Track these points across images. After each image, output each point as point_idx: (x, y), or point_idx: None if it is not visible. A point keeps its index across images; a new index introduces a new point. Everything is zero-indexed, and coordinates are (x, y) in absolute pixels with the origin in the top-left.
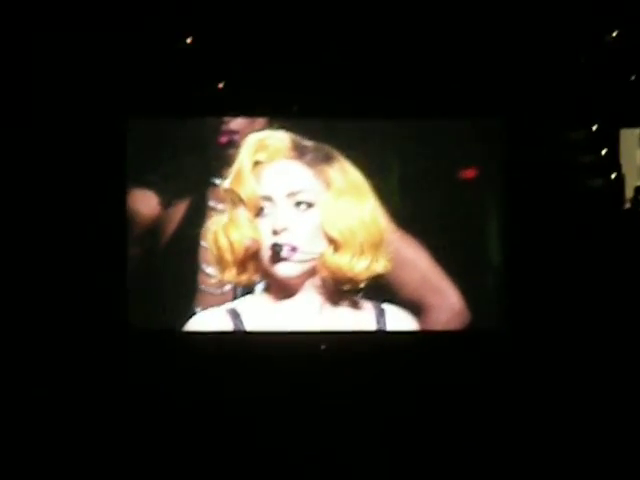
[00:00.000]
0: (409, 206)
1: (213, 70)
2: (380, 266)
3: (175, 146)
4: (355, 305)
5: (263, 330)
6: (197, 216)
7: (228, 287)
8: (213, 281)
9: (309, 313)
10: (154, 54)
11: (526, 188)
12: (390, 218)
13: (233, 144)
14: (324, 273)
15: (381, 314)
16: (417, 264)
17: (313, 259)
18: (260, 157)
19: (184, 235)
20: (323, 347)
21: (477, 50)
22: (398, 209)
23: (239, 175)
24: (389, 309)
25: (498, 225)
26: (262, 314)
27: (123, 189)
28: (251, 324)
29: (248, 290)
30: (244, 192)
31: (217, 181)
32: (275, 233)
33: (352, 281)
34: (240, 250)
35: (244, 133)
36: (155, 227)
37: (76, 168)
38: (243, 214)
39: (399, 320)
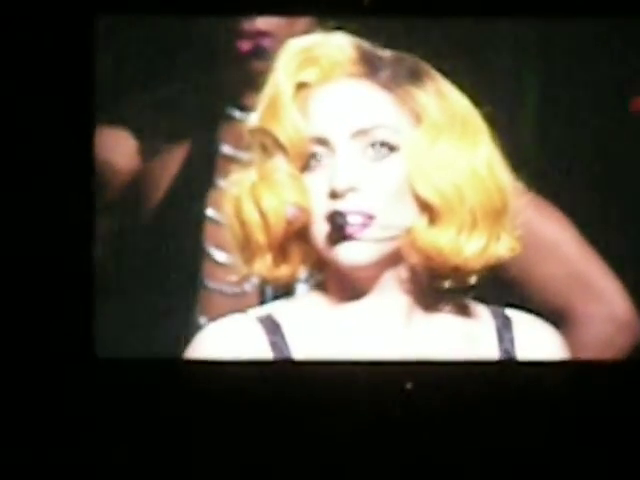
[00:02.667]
0: (550, 156)
1: None
2: (503, 247)
3: (167, 58)
4: (464, 312)
5: (317, 358)
6: (202, 171)
7: (250, 286)
8: (230, 276)
9: (390, 325)
10: None
11: None
12: (519, 175)
13: (262, 53)
14: (414, 259)
15: (506, 326)
16: (562, 249)
17: (397, 237)
18: (307, 76)
19: (180, 202)
20: (409, 386)
21: None
22: (532, 160)
23: (274, 105)
24: (518, 319)
25: None
26: (314, 327)
27: (89, 127)
28: (298, 345)
29: (285, 291)
30: (283, 132)
31: (236, 113)
32: (336, 196)
33: (459, 271)
34: (279, 225)
35: (279, 36)
36: (133, 189)
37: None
38: (282, 168)
39: (536, 337)
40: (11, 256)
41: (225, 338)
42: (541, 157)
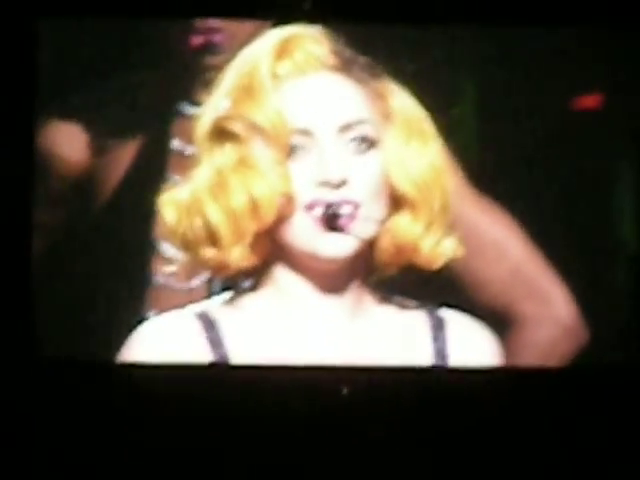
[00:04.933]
0: (492, 155)
1: None
2: (449, 247)
3: (119, 53)
4: (401, 311)
5: (255, 357)
6: (153, 166)
7: (199, 281)
8: (180, 267)
9: (334, 321)
10: None
11: None
12: (461, 173)
13: (213, 49)
14: (386, 251)
15: (440, 326)
16: (506, 249)
17: (375, 229)
18: (283, 67)
19: (131, 196)
20: (345, 391)
21: None
22: (473, 159)
23: (252, 92)
24: (453, 319)
25: (635, 189)
26: (252, 325)
27: (30, 120)
28: (235, 342)
29: (229, 285)
30: (265, 119)
31: (187, 109)
32: (324, 186)
33: (425, 264)
34: (270, 212)
35: (230, 32)
36: (82, 184)
37: None
38: (265, 154)
39: (469, 338)
40: None
41: (162, 334)
42: (484, 159)
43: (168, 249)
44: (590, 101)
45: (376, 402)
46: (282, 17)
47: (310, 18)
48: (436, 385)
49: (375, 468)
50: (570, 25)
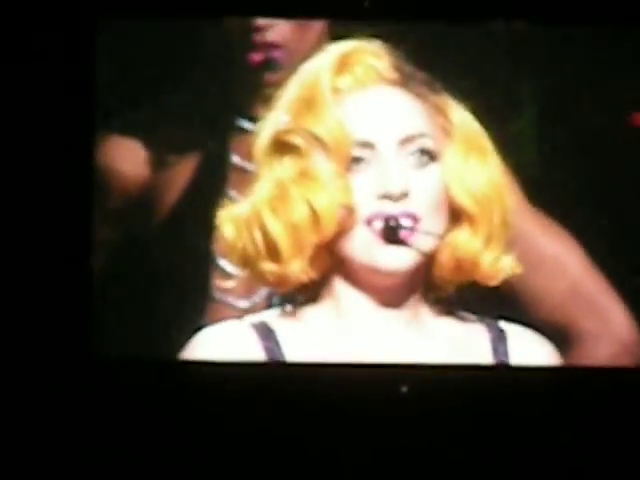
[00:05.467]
0: (550, 172)
1: None
2: (508, 263)
3: (177, 68)
4: (461, 324)
5: (310, 361)
6: (212, 182)
7: (259, 298)
8: (239, 283)
9: (391, 333)
10: None
11: None
12: (520, 189)
13: (272, 65)
14: (446, 265)
15: (500, 339)
16: (564, 266)
17: (436, 243)
18: (343, 81)
19: (191, 212)
20: (405, 389)
21: None
22: (532, 175)
23: (313, 106)
24: (513, 332)
25: None
26: (310, 335)
27: (89, 134)
28: (293, 351)
29: (288, 299)
30: (326, 131)
31: (246, 125)
32: (389, 199)
33: (484, 280)
34: (331, 224)
35: (289, 48)
36: (142, 198)
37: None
38: (326, 167)
39: (530, 350)
40: (12, 261)
41: (219, 342)
42: (542, 176)
43: (227, 265)
44: None
45: (435, 401)
46: (341, 16)
47: (369, 17)
48: (497, 386)
49: (433, 467)
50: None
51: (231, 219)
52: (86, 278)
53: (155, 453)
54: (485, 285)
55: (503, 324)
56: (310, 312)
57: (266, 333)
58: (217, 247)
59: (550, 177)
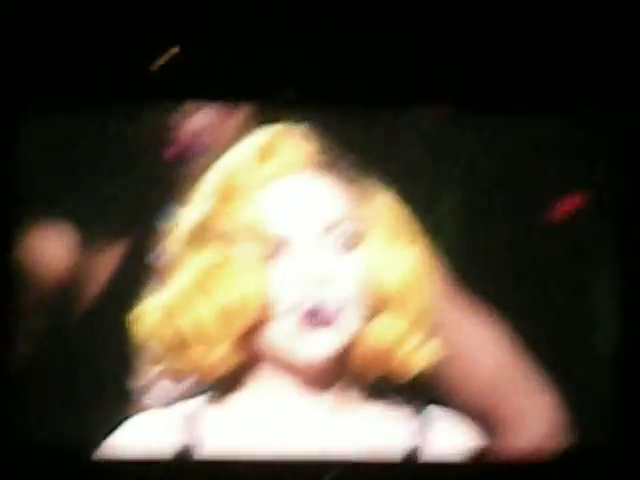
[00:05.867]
0: (470, 257)
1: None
2: (430, 350)
3: (94, 158)
4: (386, 409)
5: (231, 455)
6: (136, 271)
7: (184, 382)
8: (165, 370)
9: (314, 422)
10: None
11: None
12: (445, 274)
13: (196, 152)
14: (364, 353)
15: (423, 423)
16: (488, 351)
17: (357, 329)
18: (268, 168)
19: (116, 301)
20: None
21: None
22: (457, 260)
23: (234, 195)
24: (437, 416)
25: (613, 290)
26: (233, 424)
27: (10, 224)
28: (217, 442)
29: (214, 385)
30: (249, 220)
31: (171, 211)
32: (307, 286)
33: (401, 368)
34: (253, 310)
35: (214, 135)
36: (63, 289)
37: None
38: (248, 254)
39: (454, 435)
40: None
41: (143, 431)
42: (462, 259)
43: (153, 353)
44: (573, 203)
45: None
46: (265, 104)
47: (292, 105)
48: (417, 476)
49: None
50: (556, 115)
51: (156, 307)
52: (5, 367)
53: None
54: (404, 376)
55: (428, 408)
56: (234, 399)
57: (191, 421)
58: (141, 337)
59: (474, 262)
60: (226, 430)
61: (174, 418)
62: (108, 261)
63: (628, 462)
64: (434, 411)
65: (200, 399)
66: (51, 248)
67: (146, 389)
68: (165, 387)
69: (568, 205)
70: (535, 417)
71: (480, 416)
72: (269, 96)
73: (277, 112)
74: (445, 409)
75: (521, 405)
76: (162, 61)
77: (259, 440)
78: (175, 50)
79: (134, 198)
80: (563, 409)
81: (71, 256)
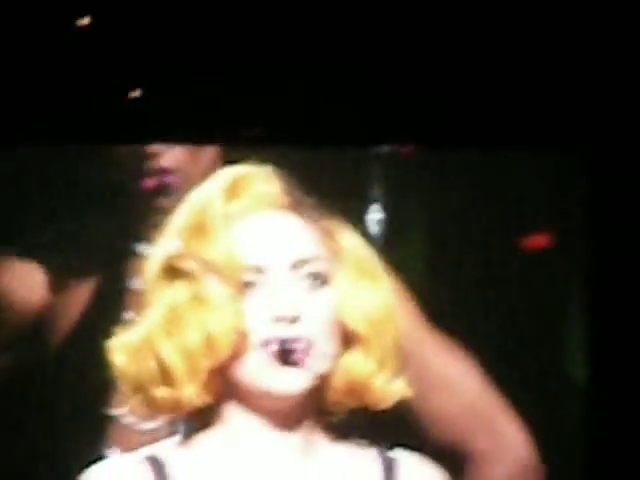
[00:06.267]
0: (440, 292)
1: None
2: (401, 385)
3: (68, 190)
4: (352, 451)
5: None
6: (110, 306)
7: (156, 420)
8: (133, 408)
9: (284, 462)
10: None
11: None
12: (414, 309)
13: (166, 190)
14: (334, 390)
15: (390, 468)
16: (460, 386)
17: (328, 367)
18: (234, 206)
19: (88, 337)
20: None
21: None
22: (425, 294)
23: (204, 230)
24: (405, 460)
25: (583, 324)
26: (202, 466)
27: None
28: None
29: (183, 424)
30: (217, 257)
31: (143, 248)
32: (278, 322)
33: (371, 404)
34: (225, 349)
35: (182, 173)
36: (37, 324)
37: None
38: (218, 290)
39: (422, 477)
40: None
41: (110, 478)
42: (432, 295)
43: (122, 390)
44: (540, 240)
45: None
46: (231, 143)
47: (258, 145)
48: None
49: None
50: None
51: (122, 346)
52: None
53: None
54: (376, 409)
55: (395, 452)
56: (201, 440)
57: (158, 467)
58: (112, 372)
59: (442, 297)
60: (191, 474)
61: (140, 463)
62: (81, 293)
63: None
64: (400, 453)
65: (171, 441)
66: (25, 282)
67: (121, 422)
68: (136, 422)
69: (535, 242)
70: (506, 454)
71: (449, 453)
72: (235, 136)
73: (243, 152)
74: (411, 452)
75: (492, 442)
76: (129, 103)
77: (228, 478)
78: (139, 92)
79: (114, 228)
80: (533, 445)
81: (41, 290)
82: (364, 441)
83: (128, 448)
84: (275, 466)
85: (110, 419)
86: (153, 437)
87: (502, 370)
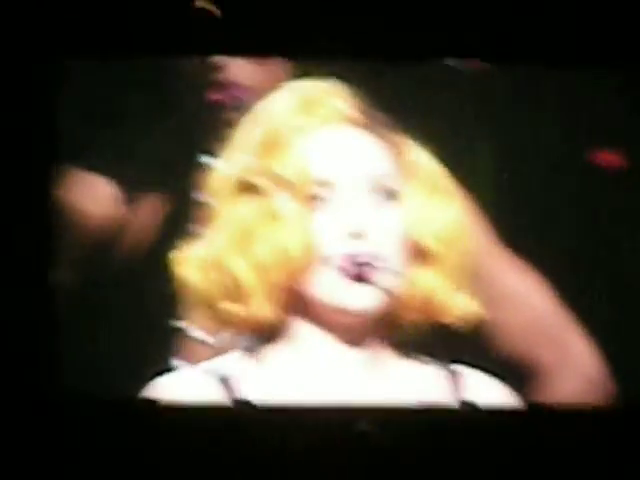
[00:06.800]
0: (510, 211)
1: None
2: (471, 302)
3: (138, 101)
4: (419, 364)
5: (267, 403)
6: (178, 220)
7: (223, 335)
8: (204, 323)
9: (351, 375)
10: None
11: None
12: (483, 227)
13: (233, 103)
14: (411, 305)
15: (456, 381)
16: (528, 302)
17: (399, 283)
18: (306, 122)
19: (159, 251)
20: (364, 428)
21: None
22: (495, 213)
23: (275, 145)
24: (469, 374)
25: None
26: (268, 378)
27: (51, 172)
28: (252, 392)
29: (265, 337)
30: (288, 171)
31: (211, 161)
32: (348, 238)
33: (440, 321)
34: (295, 263)
35: (250, 86)
36: (106, 237)
37: None
38: (290, 206)
39: (485, 391)
40: None
41: (178, 390)
42: (503, 214)
43: (191, 302)
44: (613, 158)
45: (393, 442)
46: (299, 55)
47: (327, 55)
48: (455, 427)
49: None
50: (587, 67)
51: (192, 260)
52: (51, 315)
53: None
54: (447, 325)
55: (460, 367)
56: (270, 353)
57: (226, 379)
58: (181, 284)
59: (513, 214)
60: (259, 386)
61: (207, 374)
62: (149, 207)
63: None
64: (463, 370)
65: (235, 354)
66: (93, 195)
67: (188, 335)
68: (205, 336)
69: (607, 160)
70: (574, 369)
71: (517, 368)
72: (305, 49)
73: (312, 66)
74: (475, 369)
75: (560, 357)
76: (199, 14)
77: (292, 396)
78: (211, 5)
79: (176, 144)
80: (603, 363)
81: (113, 202)
82: (430, 357)
83: (195, 361)
84: (343, 380)
85: (177, 332)
86: (219, 351)
87: (573, 290)
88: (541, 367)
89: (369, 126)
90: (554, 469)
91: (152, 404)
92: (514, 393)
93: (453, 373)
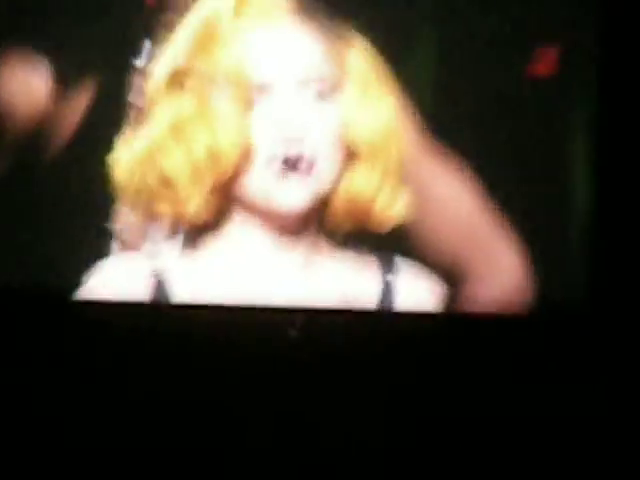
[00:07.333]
0: (448, 108)
1: None
2: (402, 201)
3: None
4: (354, 259)
5: (196, 302)
6: (109, 116)
7: (157, 227)
8: (135, 221)
9: (288, 270)
10: None
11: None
12: (417, 127)
13: (168, 4)
14: (338, 203)
15: (389, 273)
16: (458, 207)
17: (331, 182)
18: (243, 18)
19: (87, 147)
20: (293, 332)
21: None
22: (430, 112)
23: (211, 43)
24: (403, 267)
25: (588, 147)
26: (202, 273)
27: None
28: (184, 290)
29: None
30: (226, 70)
31: (142, 61)
32: (283, 139)
33: (374, 218)
34: (229, 162)
35: None
36: (37, 132)
37: None
38: (225, 105)
39: (416, 287)
40: None
41: (114, 276)
42: (437, 113)
43: (127, 196)
44: (547, 57)
45: (323, 344)
46: None
47: None
48: (382, 328)
49: (319, 409)
50: None
51: (124, 160)
52: None
53: (32, 390)
54: (377, 229)
55: (396, 259)
56: (204, 251)
57: (156, 277)
58: (116, 180)
59: (447, 114)
60: (197, 276)
61: (146, 261)
62: (83, 100)
63: (596, 320)
64: (401, 263)
65: (172, 244)
66: (28, 78)
67: (122, 230)
68: (140, 229)
69: (544, 59)
70: (503, 270)
71: (444, 273)
72: None
73: None
74: (412, 262)
75: (490, 258)
76: None
77: (229, 287)
78: None
79: (113, 38)
80: (532, 264)
81: (47, 89)
82: (367, 250)
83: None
84: (277, 275)
85: (111, 233)
86: (153, 251)
87: (504, 190)
88: (468, 273)
89: (308, 21)
90: (471, 375)
91: (81, 302)
92: (446, 290)
93: (388, 265)
